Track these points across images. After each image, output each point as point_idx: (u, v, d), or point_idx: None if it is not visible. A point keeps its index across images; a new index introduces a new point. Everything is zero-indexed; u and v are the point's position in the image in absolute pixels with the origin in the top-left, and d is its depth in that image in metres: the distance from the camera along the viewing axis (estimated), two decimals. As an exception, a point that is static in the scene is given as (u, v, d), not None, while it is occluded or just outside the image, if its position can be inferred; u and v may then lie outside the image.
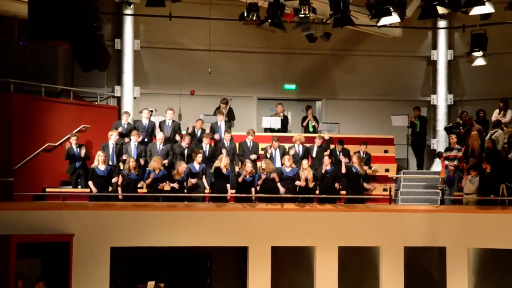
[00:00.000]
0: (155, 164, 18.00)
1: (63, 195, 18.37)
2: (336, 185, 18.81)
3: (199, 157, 18.40)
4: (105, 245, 17.12)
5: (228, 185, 18.43)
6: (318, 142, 20.17)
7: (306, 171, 18.57)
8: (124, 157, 18.85)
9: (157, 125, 20.21)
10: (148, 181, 17.93)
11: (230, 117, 21.79)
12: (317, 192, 18.83)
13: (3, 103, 19.30)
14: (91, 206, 17.52)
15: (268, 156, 19.47)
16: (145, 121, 20.17)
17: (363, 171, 19.10)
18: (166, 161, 18.79)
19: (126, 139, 19.58)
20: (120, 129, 19.69)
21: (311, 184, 18.51)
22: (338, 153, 20.06)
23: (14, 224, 16.26)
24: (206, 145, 19.50)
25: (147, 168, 18.19)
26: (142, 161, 18.85)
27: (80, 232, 16.74)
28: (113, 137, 19.08)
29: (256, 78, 23.61)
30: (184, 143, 19.40)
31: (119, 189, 17.99)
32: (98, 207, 17.44)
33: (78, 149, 19.08)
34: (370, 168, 20.33)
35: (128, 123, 20.21)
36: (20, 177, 18.73)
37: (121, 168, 18.78)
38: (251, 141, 20.01)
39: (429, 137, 23.49)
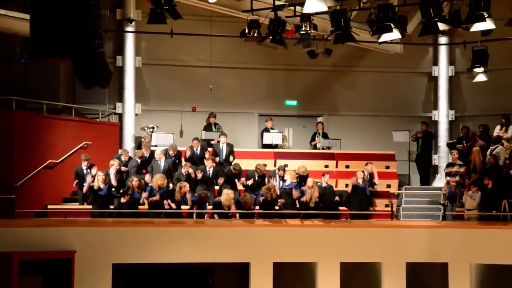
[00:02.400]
0: (158, 181, 18.06)
1: (65, 212, 18.38)
2: (337, 198, 18.85)
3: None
4: (107, 262, 17.08)
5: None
6: (325, 180, 19.92)
7: (311, 190, 18.56)
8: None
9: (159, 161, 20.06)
10: (152, 199, 18.00)
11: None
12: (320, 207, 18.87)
13: (5, 120, 19.33)
14: (93, 223, 17.52)
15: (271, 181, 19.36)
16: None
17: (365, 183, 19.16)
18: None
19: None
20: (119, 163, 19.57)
21: (313, 202, 18.50)
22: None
23: (16, 241, 16.23)
24: (209, 168, 19.46)
25: (149, 185, 18.22)
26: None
27: (82, 249, 16.70)
28: (113, 167, 18.98)
29: (257, 95, 23.65)
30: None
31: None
32: (100, 223, 17.44)
33: (88, 170, 19.07)
34: (373, 187, 20.37)
35: (130, 158, 20.08)
36: (22, 194, 18.74)
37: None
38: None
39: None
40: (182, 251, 17.42)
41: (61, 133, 20.27)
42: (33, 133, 19.66)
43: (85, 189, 18.69)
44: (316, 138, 22.55)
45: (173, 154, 19.94)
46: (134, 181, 18.05)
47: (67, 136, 20.31)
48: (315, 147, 22.40)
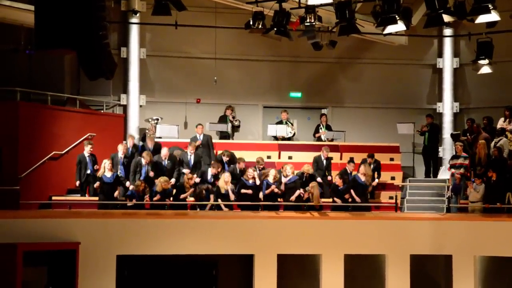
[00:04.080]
0: (162, 185, 18.08)
1: (69, 204, 18.41)
2: (347, 195, 18.89)
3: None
4: (111, 253, 17.12)
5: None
6: (325, 154, 20.13)
7: (312, 190, 18.58)
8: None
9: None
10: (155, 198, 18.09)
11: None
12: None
13: (10, 111, 19.35)
14: (97, 214, 17.54)
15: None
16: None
17: (368, 181, 19.12)
18: (172, 180, 18.78)
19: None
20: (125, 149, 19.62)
21: (317, 202, 18.46)
22: (350, 172, 19.93)
23: (20, 232, 16.27)
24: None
25: (153, 188, 18.27)
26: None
27: (86, 240, 16.74)
28: (120, 151, 19.10)
29: (262, 86, 23.64)
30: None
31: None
32: (104, 215, 17.47)
33: (90, 157, 19.13)
34: (378, 177, 20.35)
35: (134, 145, 20.11)
36: (27, 186, 18.77)
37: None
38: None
39: (436, 145, 23.49)
40: (186, 242, 17.45)
41: (65, 124, 20.29)
42: (37, 125, 19.68)
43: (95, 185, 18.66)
44: (320, 130, 22.54)
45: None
46: (140, 184, 18.11)
47: (71, 128, 20.33)
48: (319, 139, 22.39)
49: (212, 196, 18.41)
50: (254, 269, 17.90)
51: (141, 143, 20.10)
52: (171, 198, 18.30)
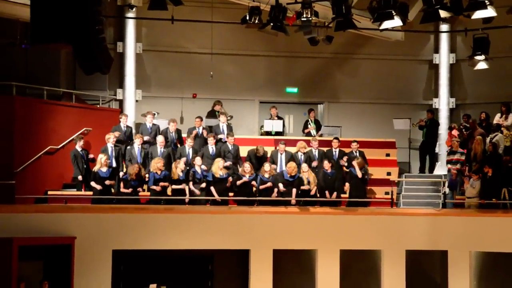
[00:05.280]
0: (156, 165, 18.08)
1: (65, 198, 18.39)
2: (346, 186, 18.93)
3: (198, 161, 18.48)
4: (107, 248, 17.13)
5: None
6: (314, 145, 20.23)
7: (306, 174, 18.62)
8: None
9: (161, 128, 20.25)
10: (158, 188, 18.02)
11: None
12: (318, 195, 18.87)
13: (6, 106, 19.31)
14: (93, 209, 17.53)
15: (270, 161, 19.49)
16: (148, 125, 20.22)
17: (360, 173, 19.14)
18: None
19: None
20: (117, 134, 19.67)
21: (313, 187, 18.55)
22: (335, 150, 20.21)
23: (16, 227, 16.27)
24: (212, 146, 19.57)
25: (150, 171, 18.25)
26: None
27: (82, 235, 16.75)
28: (111, 140, 19.14)
29: (258, 82, 23.62)
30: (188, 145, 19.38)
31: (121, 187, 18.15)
32: (100, 210, 17.45)
33: (83, 152, 19.14)
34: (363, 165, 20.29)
35: (127, 126, 20.24)
36: (22, 180, 18.74)
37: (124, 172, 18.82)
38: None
39: (432, 140, 23.49)
40: (183, 237, 17.47)
41: (61, 119, 20.25)
42: (33, 119, 19.64)
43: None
44: (309, 126, 22.53)
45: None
46: (134, 168, 18.07)
47: (67, 122, 20.30)
48: (308, 134, 22.39)
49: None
50: (250, 264, 17.92)
51: (149, 125, 20.12)
52: (168, 185, 18.24)
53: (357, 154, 20.31)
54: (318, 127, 22.51)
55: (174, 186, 18.20)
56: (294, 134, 22.99)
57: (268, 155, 20.12)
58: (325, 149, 20.57)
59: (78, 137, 19.50)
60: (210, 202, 18.38)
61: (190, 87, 23.03)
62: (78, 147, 19.19)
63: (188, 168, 18.59)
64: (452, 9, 16.73)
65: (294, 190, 18.46)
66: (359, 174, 19.02)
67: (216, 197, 18.25)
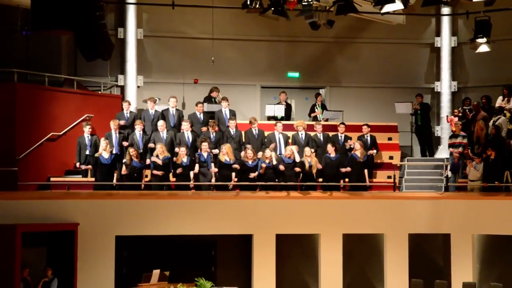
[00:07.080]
0: (159, 150, 18.15)
1: (67, 185, 18.41)
2: (347, 169, 18.93)
3: (205, 146, 18.48)
4: (110, 234, 17.17)
5: (233, 174, 18.47)
6: (318, 129, 20.22)
7: (309, 158, 18.63)
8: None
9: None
10: (160, 172, 18.07)
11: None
12: (320, 180, 18.87)
13: (7, 93, 19.31)
14: (96, 195, 17.55)
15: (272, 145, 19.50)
16: (151, 111, 20.23)
17: (362, 157, 19.12)
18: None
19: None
20: (123, 122, 19.74)
21: (315, 170, 18.56)
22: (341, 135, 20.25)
23: (19, 213, 16.31)
24: (212, 132, 19.58)
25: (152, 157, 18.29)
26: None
27: (85, 221, 16.78)
28: (114, 127, 19.16)
29: (259, 66, 23.58)
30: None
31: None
32: (103, 196, 17.48)
33: (90, 137, 19.15)
34: (375, 150, 20.33)
35: (131, 112, 20.29)
36: (25, 167, 18.76)
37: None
38: (256, 129, 20.02)
39: (433, 124, 23.44)
40: (185, 223, 17.50)
41: (63, 105, 20.25)
42: (35, 106, 19.64)
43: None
44: (316, 110, 22.52)
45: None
46: (132, 150, 18.12)
47: (69, 109, 20.30)
48: (315, 118, 22.37)
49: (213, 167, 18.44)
50: (253, 249, 17.96)
51: (152, 112, 20.18)
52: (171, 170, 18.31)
53: (368, 138, 20.33)
54: (327, 111, 22.51)
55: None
56: (296, 119, 22.95)
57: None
58: (330, 133, 20.56)
59: (86, 123, 19.49)
60: (215, 188, 18.39)
61: (192, 73, 23.00)
62: (86, 133, 19.20)
63: (189, 154, 18.60)
64: (454, -8, 16.70)
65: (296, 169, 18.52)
66: (360, 156, 19.07)
67: (232, 182, 18.26)
